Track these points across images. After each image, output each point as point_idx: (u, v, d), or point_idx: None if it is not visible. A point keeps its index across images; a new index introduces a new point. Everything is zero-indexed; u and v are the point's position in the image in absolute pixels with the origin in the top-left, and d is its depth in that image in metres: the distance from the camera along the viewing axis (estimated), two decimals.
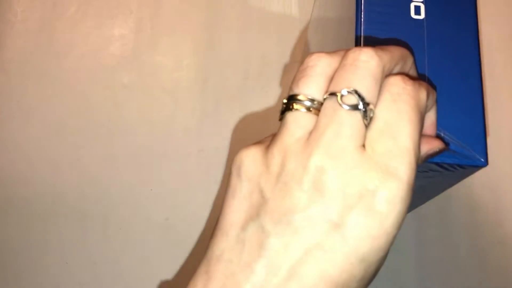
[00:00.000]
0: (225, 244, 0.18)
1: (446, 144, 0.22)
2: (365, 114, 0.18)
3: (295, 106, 0.19)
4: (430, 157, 0.21)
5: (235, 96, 0.56)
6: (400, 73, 0.19)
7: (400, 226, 0.18)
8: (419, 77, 0.22)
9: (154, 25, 0.60)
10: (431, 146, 0.21)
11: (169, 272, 0.49)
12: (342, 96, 0.18)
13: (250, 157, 0.19)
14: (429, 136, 0.21)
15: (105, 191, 0.52)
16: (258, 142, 0.21)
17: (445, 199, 0.49)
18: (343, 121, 0.18)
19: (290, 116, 0.19)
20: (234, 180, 0.20)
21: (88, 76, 0.58)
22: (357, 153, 0.17)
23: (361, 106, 0.18)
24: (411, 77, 0.19)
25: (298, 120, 0.19)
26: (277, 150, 0.19)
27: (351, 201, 0.17)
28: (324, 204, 0.17)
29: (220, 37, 0.59)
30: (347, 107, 0.18)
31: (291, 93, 0.19)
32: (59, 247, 0.50)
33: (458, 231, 0.49)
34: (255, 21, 0.60)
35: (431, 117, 0.21)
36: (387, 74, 0.19)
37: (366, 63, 0.18)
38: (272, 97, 0.55)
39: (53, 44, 0.59)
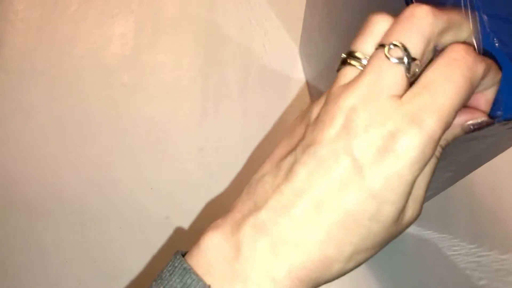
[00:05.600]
0: (267, 169, 0.21)
1: (492, 118, 0.21)
2: (408, 68, 0.18)
3: (349, 61, 0.20)
4: (472, 128, 0.20)
5: (235, 96, 0.56)
6: (464, 43, 0.19)
7: (415, 176, 0.18)
8: (488, 55, 0.21)
9: (155, 25, 0.60)
10: (473, 116, 0.20)
11: None
12: (389, 49, 0.19)
13: (309, 104, 0.22)
14: (473, 108, 0.21)
15: (105, 190, 0.52)
16: None
17: (445, 199, 0.49)
18: (384, 71, 0.19)
19: (342, 70, 0.20)
20: (292, 121, 0.22)
21: (89, 75, 0.58)
22: (390, 100, 0.18)
23: (405, 59, 0.18)
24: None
25: (348, 73, 0.20)
26: (323, 96, 0.21)
27: (372, 140, 0.18)
28: (348, 140, 0.18)
29: (220, 37, 0.59)
30: (392, 59, 0.18)
31: (349, 50, 0.21)
32: (59, 246, 0.50)
33: (458, 231, 0.49)
34: (255, 21, 0.59)
35: (487, 96, 0.21)
36: (441, 34, 0.19)
37: (420, 19, 0.19)
38: (272, 97, 0.55)
39: (53, 42, 0.59)
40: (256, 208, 0.20)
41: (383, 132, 0.18)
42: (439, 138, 0.18)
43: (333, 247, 0.19)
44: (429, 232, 0.49)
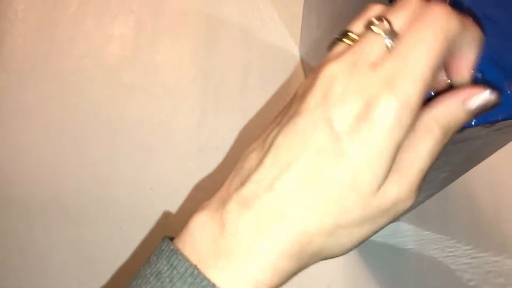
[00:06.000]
0: (254, 146, 0.22)
1: (498, 95, 0.20)
2: (390, 39, 0.19)
3: (340, 38, 0.21)
4: (477, 109, 0.20)
5: (235, 96, 0.56)
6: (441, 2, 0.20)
7: (393, 144, 0.18)
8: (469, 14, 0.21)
9: (155, 25, 0.60)
10: (472, 92, 0.20)
11: None
12: (374, 23, 0.19)
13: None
14: (477, 87, 0.20)
15: (105, 190, 0.52)
16: None
17: (445, 199, 0.49)
18: (367, 42, 0.19)
19: (333, 47, 0.21)
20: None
21: (89, 75, 0.58)
22: (369, 69, 0.19)
23: (386, 31, 0.19)
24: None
25: (337, 49, 0.21)
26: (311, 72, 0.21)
27: (349, 108, 0.18)
28: (326, 109, 0.19)
29: (220, 37, 0.59)
30: (375, 29, 0.19)
31: (343, 30, 0.21)
32: (59, 246, 0.50)
33: (458, 231, 0.49)
34: (255, 21, 0.59)
35: (467, 59, 0.20)
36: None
37: (408, 2, 0.20)
38: (272, 97, 0.56)
39: (53, 43, 0.59)
40: (241, 184, 0.20)
41: (360, 100, 0.18)
42: (416, 103, 0.18)
43: (313, 219, 0.19)
44: (428, 232, 0.49)
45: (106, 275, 0.49)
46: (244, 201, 0.20)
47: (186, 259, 0.20)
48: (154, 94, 0.56)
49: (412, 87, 0.18)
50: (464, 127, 0.21)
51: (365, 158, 0.18)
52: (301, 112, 0.19)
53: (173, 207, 0.51)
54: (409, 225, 0.49)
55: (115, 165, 0.53)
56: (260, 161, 0.20)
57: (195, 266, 0.20)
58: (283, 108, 0.22)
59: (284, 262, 0.19)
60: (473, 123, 0.21)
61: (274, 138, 0.20)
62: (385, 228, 0.51)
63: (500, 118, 0.21)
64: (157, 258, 0.21)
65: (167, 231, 0.50)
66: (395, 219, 0.21)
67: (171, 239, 0.22)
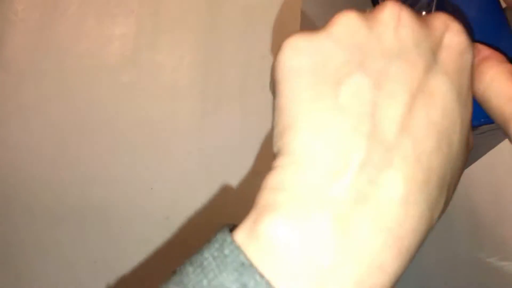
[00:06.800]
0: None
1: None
2: None
3: None
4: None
5: (235, 96, 0.56)
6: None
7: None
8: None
9: (155, 25, 0.60)
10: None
11: (169, 271, 0.49)
12: None
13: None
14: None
15: (105, 190, 0.52)
16: None
17: None
18: None
19: None
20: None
21: (88, 75, 0.58)
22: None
23: None
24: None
25: None
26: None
27: (437, 38, 0.18)
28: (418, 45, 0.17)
29: (220, 37, 0.59)
30: None
31: None
32: (59, 246, 0.50)
33: (458, 231, 0.49)
34: (256, 21, 0.59)
35: None
36: None
37: None
38: (272, 97, 0.55)
39: (53, 43, 0.59)
40: (339, 175, 0.15)
41: (439, 27, 0.18)
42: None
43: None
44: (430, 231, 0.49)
45: (106, 275, 0.49)
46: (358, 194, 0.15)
47: (268, 283, 0.15)
48: (154, 94, 0.56)
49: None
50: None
51: (461, 71, 0.18)
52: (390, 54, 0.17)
53: (173, 207, 0.51)
54: None
55: (115, 164, 0.53)
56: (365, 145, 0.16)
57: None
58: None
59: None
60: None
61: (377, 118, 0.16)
62: None
63: (482, 122, 0.21)
64: (218, 267, 0.15)
65: (167, 231, 0.50)
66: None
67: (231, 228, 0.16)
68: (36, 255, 0.50)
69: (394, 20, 0.17)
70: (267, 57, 0.57)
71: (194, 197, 0.51)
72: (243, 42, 0.58)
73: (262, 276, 0.14)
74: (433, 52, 0.17)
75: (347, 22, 0.17)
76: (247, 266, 0.15)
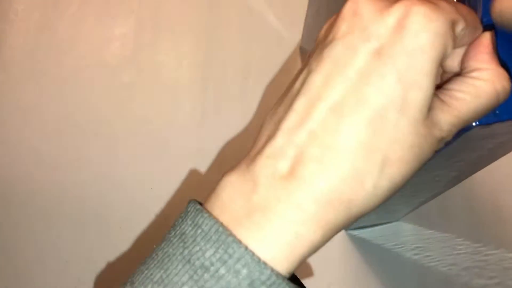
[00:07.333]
0: (279, 102, 0.20)
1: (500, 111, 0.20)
2: None
3: None
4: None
5: (235, 96, 0.56)
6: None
7: (438, 54, 0.17)
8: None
9: (155, 25, 0.60)
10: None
11: None
12: None
13: None
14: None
15: (105, 190, 0.52)
16: None
17: (445, 199, 0.49)
18: None
19: None
20: None
21: (89, 75, 0.58)
22: None
23: None
24: None
25: None
26: None
27: (385, 20, 0.17)
28: (362, 27, 0.18)
29: (220, 37, 0.59)
30: None
31: None
32: (59, 246, 0.50)
33: (458, 231, 0.49)
34: (255, 21, 0.59)
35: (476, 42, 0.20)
36: None
37: None
38: (272, 97, 0.55)
39: (53, 43, 0.59)
40: (270, 138, 0.18)
41: (396, 11, 0.17)
42: (448, 11, 0.18)
43: (361, 157, 0.17)
44: (428, 232, 0.49)
45: (106, 275, 0.49)
46: (277, 153, 0.18)
47: (211, 217, 0.18)
48: (154, 94, 0.56)
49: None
50: (494, 121, 0.20)
51: (413, 71, 0.17)
52: (332, 40, 0.18)
53: (173, 207, 0.51)
54: (410, 224, 0.49)
55: (115, 165, 0.53)
56: (289, 107, 0.18)
57: (221, 223, 0.18)
58: (303, 65, 0.20)
59: (329, 212, 0.17)
60: (504, 117, 0.21)
61: (305, 78, 0.18)
62: (386, 228, 0.51)
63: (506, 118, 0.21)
64: (182, 220, 0.19)
65: (167, 230, 0.50)
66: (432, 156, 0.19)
67: (200, 203, 0.20)
68: (36, 255, 0.50)
69: (350, 10, 0.18)
70: (267, 57, 0.57)
71: (194, 197, 0.51)
72: (243, 42, 0.58)
73: (208, 213, 0.18)
74: (381, 36, 0.17)
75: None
76: (199, 211, 0.19)
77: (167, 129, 0.55)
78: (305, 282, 0.49)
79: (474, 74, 0.19)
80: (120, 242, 0.50)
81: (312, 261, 0.47)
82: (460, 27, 0.18)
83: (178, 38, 0.59)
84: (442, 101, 0.18)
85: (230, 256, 0.17)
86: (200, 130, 0.54)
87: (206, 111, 0.55)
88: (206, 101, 0.56)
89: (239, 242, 0.17)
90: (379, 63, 0.17)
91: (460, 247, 0.49)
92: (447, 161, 0.27)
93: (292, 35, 0.58)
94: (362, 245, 0.48)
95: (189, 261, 0.17)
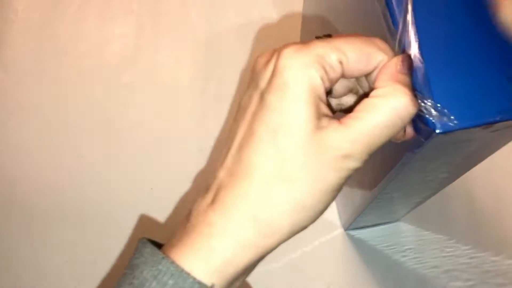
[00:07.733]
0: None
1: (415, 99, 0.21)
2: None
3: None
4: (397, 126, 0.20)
5: (235, 96, 0.56)
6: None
7: (302, 83, 0.20)
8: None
9: (155, 25, 0.60)
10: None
11: None
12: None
13: None
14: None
15: (105, 190, 0.52)
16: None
17: (445, 199, 0.49)
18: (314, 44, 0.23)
19: None
20: None
21: (89, 75, 0.58)
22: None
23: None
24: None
25: None
26: None
27: (264, 71, 0.22)
28: (254, 79, 0.23)
29: (220, 37, 0.59)
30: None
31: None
32: (59, 246, 0.50)
33: (458, 231, 0.49)
34: (255, 21, 0.60)
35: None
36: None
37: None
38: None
39: (53, 43, 0.59)
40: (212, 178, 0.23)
41: (273, 58, 0.21)
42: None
43: (260, 177, 0.21)
44: (427, 232, 0.49)
45: (107, 275, 0.49)
46: (205, 189, 0.22)
47: (152, 246, 0.22)
48: (154, 94, 0.56)
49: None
50: (462, 128, 0.21)
51: (283, 101, 0.20)
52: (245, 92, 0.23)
53: (173, 207, 0.51)
54: (409, 225, 0.49)
55: (115, 165, 0.53)
56: (221, 151, 0.23)
57: (158, 249, 0.21)
58: None
59: (240, 228, 0.21)
60: (471, 124, 0.21)
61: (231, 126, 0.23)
62: (385, 228, 0.51)
63: (498, 119, 0.21)
64: (133, 255, 0.23)
65: (167, 231, 0.50)
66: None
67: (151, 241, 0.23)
68: (36, 255, 0.50)
69: (252, 67, 0.23)
70: None
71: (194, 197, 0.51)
72: (243, 42, 0.58)
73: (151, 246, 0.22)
74: (264, 81, 0.21)
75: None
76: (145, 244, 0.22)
77: (167, 129, 0.55)
78: (305, 281, 0.49)
79: (372, 93, 0.21)
80: (120, 242, 0.50)
81: (312, 261, 0.47)
82: (333, 57, 0.21)
83: (178, 38, 0.59)
84: (340, 122, 0.20)
85: (160, 271, 0.20)
86: (200, 130, 0.54)
87: (206, 111, 0.55)
88: (206, 101, 0.56)
89: (167, 258, 0.20)
90: (262, 103, 0.21)
91: (449, 249, 0.48)
92: (427, 165, 0.27)
93: (293, 34, 0.58)
94: (361, 245, 0.48)
95: (132, 283, 0.21)
